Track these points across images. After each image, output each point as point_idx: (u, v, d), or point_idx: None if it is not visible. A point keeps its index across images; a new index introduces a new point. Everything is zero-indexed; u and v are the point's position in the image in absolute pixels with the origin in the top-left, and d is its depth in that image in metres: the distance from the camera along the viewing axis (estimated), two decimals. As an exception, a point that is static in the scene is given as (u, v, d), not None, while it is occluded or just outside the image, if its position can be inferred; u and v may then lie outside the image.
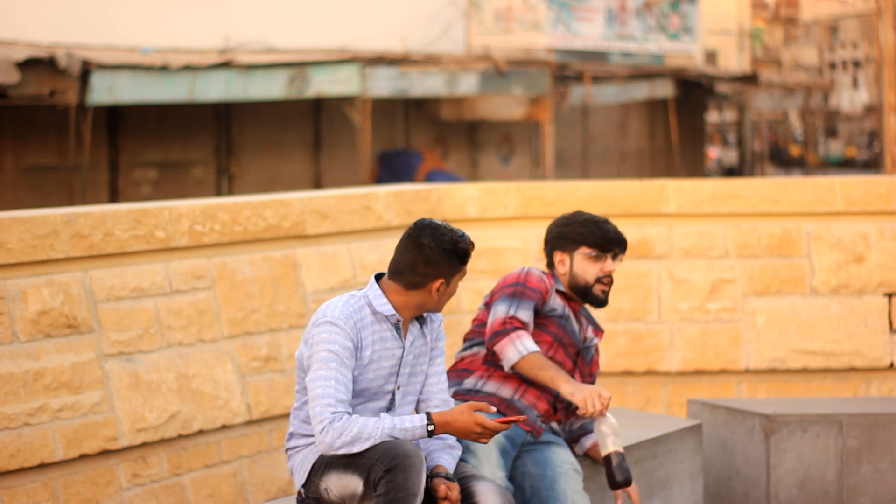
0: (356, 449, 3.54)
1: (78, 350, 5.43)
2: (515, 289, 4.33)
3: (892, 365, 7.14)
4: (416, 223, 3.77)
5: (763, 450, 5.31)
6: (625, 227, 7.37)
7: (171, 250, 5.90)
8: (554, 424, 4.43)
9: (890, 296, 7.16)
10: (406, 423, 3.58)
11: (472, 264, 7.22)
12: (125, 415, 5.57)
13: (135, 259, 5.75)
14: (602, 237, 4.42)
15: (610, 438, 4.21)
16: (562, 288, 4.45)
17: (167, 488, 5.76)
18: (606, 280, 4.42)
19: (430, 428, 3.60)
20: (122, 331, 5.63)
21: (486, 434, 3.64)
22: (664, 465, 4.95)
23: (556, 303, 4.41)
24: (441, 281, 3.72)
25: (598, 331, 4.60)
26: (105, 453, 5.51)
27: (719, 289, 7.19)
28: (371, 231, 6.83)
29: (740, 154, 31.41)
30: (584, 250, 4.42)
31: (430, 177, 19.56)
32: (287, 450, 3.86)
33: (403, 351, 3.78)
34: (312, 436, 3.73)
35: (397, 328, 3.77)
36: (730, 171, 36.66)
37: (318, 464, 3.70)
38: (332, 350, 3.61)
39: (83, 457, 5.42)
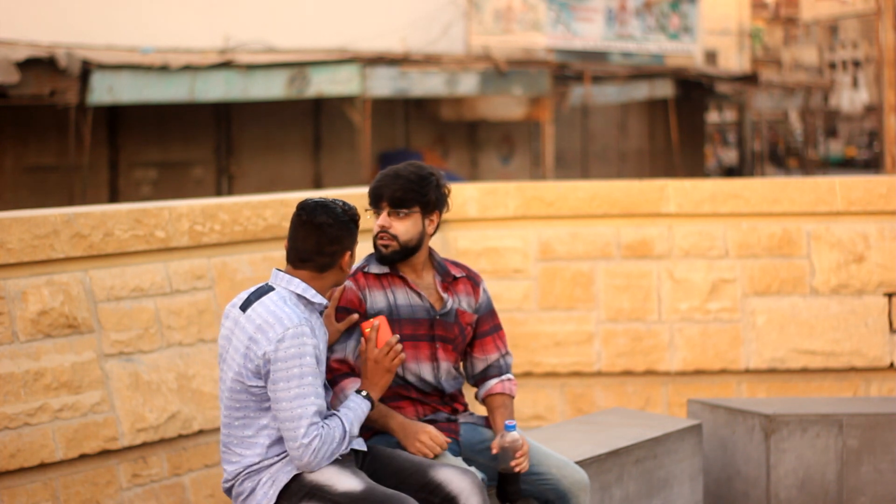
0: (340, 452, 3.56)
1: (78, 350, 5.43)
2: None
3: (892, 365, 7.13)
4: (300, 206, 3.66)
5: (763, 450, 5.30)
6: (625, 228, 7.42)
7: (171, 250, 5.89)
8: (458, 415, 4.05)
9: (890, 296, 7.16)
10: (358, 412, 3.61)
11: (472, 264, 7.23)
12: (125, 415, 5.57)
13: (135, 259, 5.75)
14: (371, 192, 4.00)
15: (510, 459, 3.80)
16: (376, 269, 4.01)
17: (167, 488, 5.76)
18: (382, 236, 3.98)
19: (364, 393, 3.65)
20: (122, 331, 5.62)
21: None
22: (664, 465, 4.95)
23: (377, 298, 3.95)
24: (348, 253, 3.68)
25: (456, 280, 4.08)
26: (105, 453, 5.51)
27: (719, 289, 7.19)
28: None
29: (740, 154, 31.41)
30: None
31: (430, 177, 19.53)
32: (241, 479, 3.62)
33: (327, 333, 3.79)
34: (277, 456, 3.59)
35: (321, 313, 3.73)
36: (730, 171, 36.66)
37: (295, 489, 3.55)
38: (306, 364, 3.51)
39: (83, 457, 5.42)
